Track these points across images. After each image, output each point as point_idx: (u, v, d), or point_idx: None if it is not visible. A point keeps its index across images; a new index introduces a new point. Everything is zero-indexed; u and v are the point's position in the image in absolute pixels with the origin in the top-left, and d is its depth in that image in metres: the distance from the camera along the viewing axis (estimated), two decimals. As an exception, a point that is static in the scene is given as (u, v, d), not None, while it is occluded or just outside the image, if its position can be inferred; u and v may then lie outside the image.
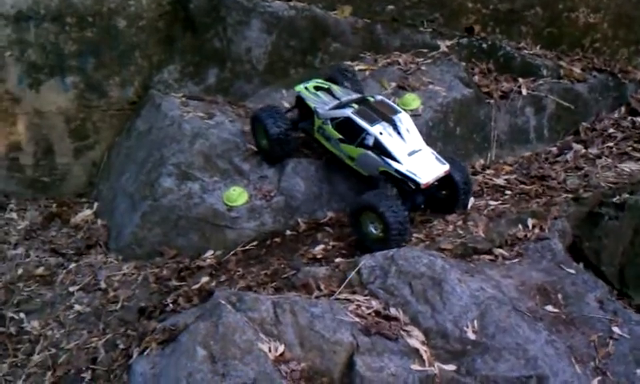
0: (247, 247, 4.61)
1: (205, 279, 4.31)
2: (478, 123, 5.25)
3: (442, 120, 5.08)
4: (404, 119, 4.45)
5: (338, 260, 4.17)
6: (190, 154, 4.81)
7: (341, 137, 4.51)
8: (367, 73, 5.43)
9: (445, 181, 4.40)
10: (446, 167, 4.32)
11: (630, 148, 5.10)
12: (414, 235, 4.32)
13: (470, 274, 3.87)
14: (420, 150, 4.37)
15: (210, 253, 4.65)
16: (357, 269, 3.87)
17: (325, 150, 4.74)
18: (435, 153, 4.41)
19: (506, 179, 4.88)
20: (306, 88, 4.86)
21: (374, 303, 3.69)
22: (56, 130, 5.90)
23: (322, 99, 4.74)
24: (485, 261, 4.13)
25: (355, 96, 4.76)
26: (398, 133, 4.38)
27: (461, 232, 4.31)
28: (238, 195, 4.63)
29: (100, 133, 5.94)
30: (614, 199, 4.50)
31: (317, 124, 4.69)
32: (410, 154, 4.32)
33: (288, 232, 4.69)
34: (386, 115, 4.44)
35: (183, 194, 4.71)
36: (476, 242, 4.23)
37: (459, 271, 3.83)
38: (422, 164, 4.30)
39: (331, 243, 4.45)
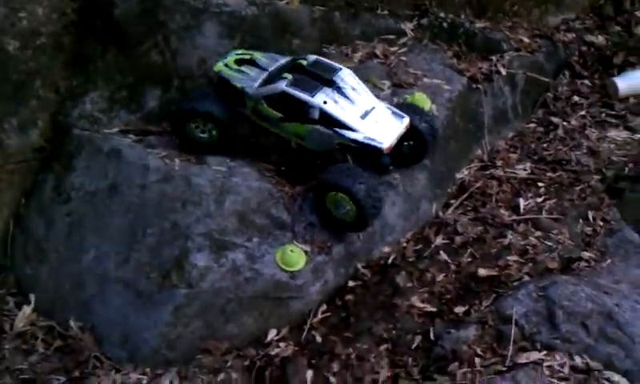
0: (320, 315, 3.79)
1: (309, 373, 3.45)
2: (471, 111, 4.95)
3: (451, 118, 4.65)
4: (347, 77, 3.94)
5: (459, 310, 3.65)
6: (222, 218, 3.74)
7: (281, 115, 3.87)
8: (347, 71, 4.70)
9: (408, 131, 3.96)
10: (407, 121, 3.92)
11: (604, 114, 5.28)
12: (508, 258, 3.93)
13: (605, 292, 3.64)
14: (373, 108, 3.92)
15: (273, 334, 3.77)
16: (513, 322, 3.39)
17: (265, 131, 4.05)
18: (391, 106, 3.99)
19: (524, 170, 4.70)
20: (226, 65, 4.08)
21: (559, 357, 3.28)
22: None
23: (249, 75, 4.02)
24: (585, 269, 3.94)
25: (284, 61, 4.10)
26: (344, 95, 3.86)
27: (549, 244, 4.05)
28: (297, 256, 3.75)
29: (-2, 197, 4.34)
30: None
31: (249, 106, 3.99)
32: (364, 116, 3.85)
33: (351, 283, 3.97)
34: (325, 78, 3.87)
35: (226, 269, 3.69)
36: (568, 250, 4.05)
37: (602, 293, 3.58)
38: (380, 125, 3.85)
39: (419, 288, 3.86)
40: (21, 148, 4.31)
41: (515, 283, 3.74)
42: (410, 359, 3.41)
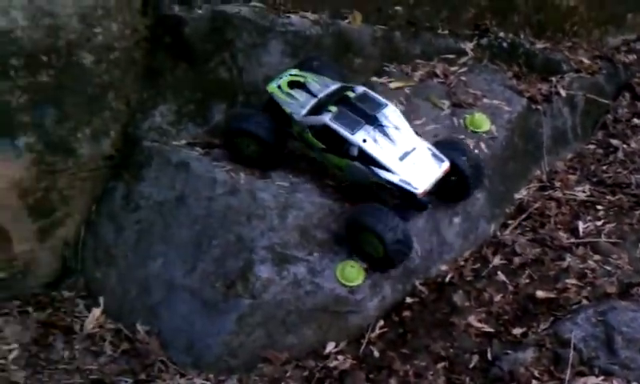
0: (378, 331, 3.88)
1: (367, 388, 3.54)
2: (530, 132, 4.97)
3: (510, 138, 4.69)
4: (390, 115, 3.95)
5: (517, 331, 3.68)
6: (286, 232, 3.86)
7: (323, 146, 3.95)
8: (407, 90, 4.79)
9: (452, 167, 3.98)
10: (445, 166, 3.92)
11: (664, 138, 5.20)
12: (567, 281, 3.95)
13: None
14: (413, 149, 3.91)
15: (331, 346, 3.87)
16: (571, 346, 3.42)
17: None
18: (433, 148, 3.97)
19: (583, 192, 4.70)
20: (279, 87, 4.17)
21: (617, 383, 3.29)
22: (10, 209, 4.36)
23: (298, 100, 4.11)
24: (643, 295, 3.93)
25: (334, 88, 4.14)
26: (385, 134, 3.88)
27: (608, 268, 4.05)
28: (357, 272, 3.85)
29: (70, 203, 4.52)
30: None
31: (295, 130, 4.10)
32: (402, 157, 3.86)
33: (408, 300, 4.04)
34: (368, 114, 3.90)
35: (288, 282, 3.81)
36: (627, 275, 4.04)
37: (661, 321, 3.58)
38: (417, 168, 3.85)
39: (477, 308, 3.91)
40: (93, 156, 4.49)
41: (574, 307, 3.75)
42: (468, 378, 3.47)
